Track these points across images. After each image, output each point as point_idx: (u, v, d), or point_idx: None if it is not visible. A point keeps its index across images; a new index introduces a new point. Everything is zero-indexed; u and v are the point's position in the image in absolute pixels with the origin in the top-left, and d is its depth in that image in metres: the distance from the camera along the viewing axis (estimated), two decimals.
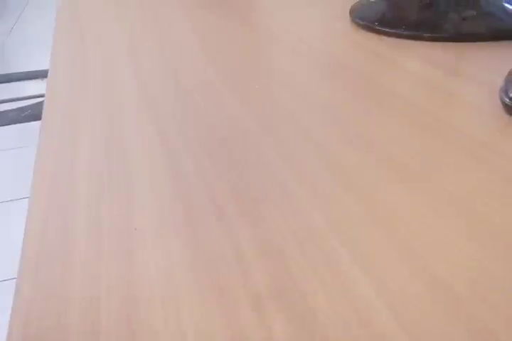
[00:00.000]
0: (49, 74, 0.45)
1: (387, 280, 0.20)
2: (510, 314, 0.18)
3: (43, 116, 0.37)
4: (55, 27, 0.59)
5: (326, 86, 0.38)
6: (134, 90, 0.39)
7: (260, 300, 0.20)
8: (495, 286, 0.19)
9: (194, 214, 0.25)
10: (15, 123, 2.03)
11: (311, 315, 0.19)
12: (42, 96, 2.18)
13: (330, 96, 0.36)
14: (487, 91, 0.35)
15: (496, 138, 0.29)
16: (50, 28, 3.03)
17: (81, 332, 0.19)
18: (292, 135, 0.31)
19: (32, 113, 2.07)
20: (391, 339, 0.18)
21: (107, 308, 0.20)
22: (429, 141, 0.29)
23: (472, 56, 0.42)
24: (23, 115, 2.06)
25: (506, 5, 0.48)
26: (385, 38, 0.47)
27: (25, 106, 2.14)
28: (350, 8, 0.55)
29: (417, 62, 0.41)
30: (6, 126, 2.01)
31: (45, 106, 0.38)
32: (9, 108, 2.14)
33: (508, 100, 0.31)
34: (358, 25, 0.51)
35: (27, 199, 1.54)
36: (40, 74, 2.45)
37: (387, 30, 0.48)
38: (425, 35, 0.46)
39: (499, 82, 0.35)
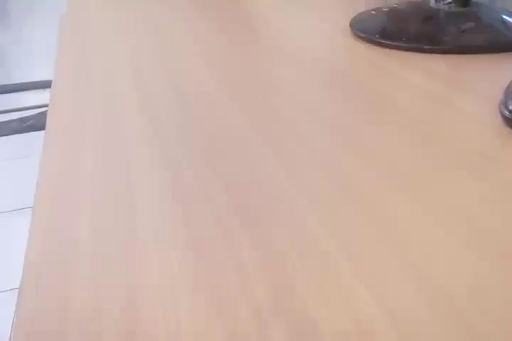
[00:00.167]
0: (52, 84, 0.45)
1: (387, 291, 0.20)
2: (510, 324, 0.18)
3: (47, 126, 0.37)
4: (58, 38, 0.59)
5: (326, 97, 0.38)
6: (135, 100, 0.39)
7: (260, 311, 0.20)
8: (495, 297, 0.19)
9: (194, 225, 0.25)
10: (16, 133, 2.03)
11: (311, 326, 0.19)
12: (44, 106, 2.19)
13: (330, 107, 0.36)
14: (487, 102, 0.35)
15: (495, 149, 0.29)
16: (51, 39, 3.05)
17: None
18: (292, 144, 0.31)
19: (33, 123, 2.08)
20: None
21: (108, 319, 0.20)
22: (430, 152, 0.30)
23: (472, 68, 0.42)
24: (24, 125, 2.07)
25: (505, 17, 0.49)
26: (385, 49, 0.48)
27: (27, 117, 2.15)
28: (351, 20, 0.56)
29: (417, 74, 0.41)
30: (8, 136, 2.02)
31: (48, 117, 0.38)
32: (11, 118, 2.15)
33: (507, 113, 0.31)
34: (359, 37, 0.51)
35: (28, 209, 1.54)
36: (42, 85, 2.46)
37: (387, 42, 0.48)
38: (425, 47, 0.46)
39: (499, 93, 0.36)
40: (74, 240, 0.24)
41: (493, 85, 0.38)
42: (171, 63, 0.47)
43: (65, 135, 0.35)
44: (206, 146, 0.32)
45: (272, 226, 0.24)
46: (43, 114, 2.13)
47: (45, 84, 2.45)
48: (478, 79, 0.40)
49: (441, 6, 0.50)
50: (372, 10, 0.56)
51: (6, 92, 2.45)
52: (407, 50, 0.47)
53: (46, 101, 2.21)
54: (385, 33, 0.49)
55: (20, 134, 2.02)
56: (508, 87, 0.34)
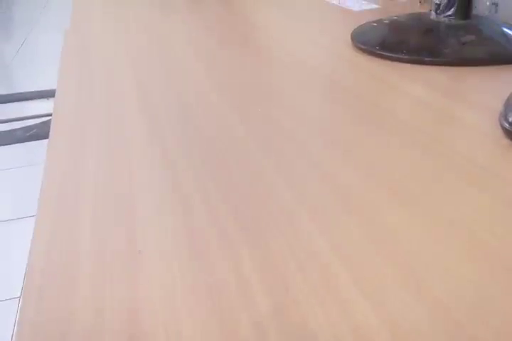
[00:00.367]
0: (56, 93, 0.46)
1: (387, 302, 0.20)
2: (510, 336, 0.18)
3: (50, 135, 0.37)
4: (62, 48, 0.60)
5: (327, 108, 0.38)
6: (137, 110, 0.40)
7: (261, 323, 0.20)
8: (495, 309, 0.20)
9: (196, 237, 0.25)
10: (20, 142, 2.04)
11: (311, 337, 0.19)
12: (47, 115, 2.20)
13: (331, 119, 0.36)
14: (487, 114, 0.36)
15: (496, 162, 0.30)
16: (55, 50, 3.07)
17: None
18: (292, 156, 0.31)
19: (37, 132, 2.09)
20: None
21: (110, 331, 0.20)
22: (430, 164, 0.30)
23: (472, 80, 0.42)
24: (28, 134, 2.08)
25: (505, 30, 0.49)
26: (386, 61, 0.48)
27: (31, 126, 2.15)
28: (352, 31, 0.56)
29: (417, 86, 0.42)
30: (12, 145, 2.02)
31: (52, 126, 0.39)
32: (15, 127, 2.16)
33: (507, 125, 0.32)
34: (360, 49, 0.51)
35: (29, 218, 1.54)
36: (46, 94, 2.47)
37: (388, 54, 0.48)
38: (426, 59, 0.46)
39: (499, 105, 0.36)
40: (76, 252, 0.24)
41: (493, 97, 0.38)
42: (173, 75, 0.48)
43: (68, 144, 0.35)
44: (208, 158, 0.32)
45: (272, 238, 0.24)
46: (46, 123, 2.14)
47: (48, 94, 2.46)
48: (478, 91, 0.40)
49: (441, 18, 0.51)
50: (374, 22, 0.57)
51: (10, 102, 2.46)
52: (408, 62, 0.47)
53: (49, 111, 2.22)
54: (386, 45, 0.50)
55: (24, 143, 2.03)
56: (507, 99, 0.34)
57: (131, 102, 0.42)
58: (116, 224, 0.26)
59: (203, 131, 0.36)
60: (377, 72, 0.45)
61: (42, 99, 2.45)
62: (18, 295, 1.24)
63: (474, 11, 0.51)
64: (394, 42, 0.50)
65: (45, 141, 2.00)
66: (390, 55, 0.48)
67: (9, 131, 2.13)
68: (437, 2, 0.51)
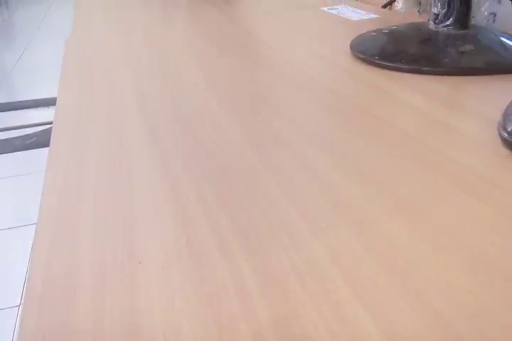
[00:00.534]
0: (57, 102, 0.46)
1: (387, 315, 0.20)
2: None
3: (51, 144, 0.37)
4: (63, 57, 0.60)
5: (326, 118, 0.38)
6: (138, 119, 0.40)
7: (261, 335, 0.20)
8: (496, 322, 0.20)
9: (196, 248, 0.25)
10: (20, 150, 2.04)
11: None
12: (46, 124, 2.20)
13: (330, 129, 0.36)
14: (486, 124, 0.36)
15: (495, 172, 0.30)
16: (55, 59, 3.08)
17: None
18: (292, 167, 0.32)
19: (37, 140, 2.09)
20: None
21: None
22: (429, 175, 0.30)
23: (471, 89, 0.43)
24: (28, 142, 2.08)
25: (504, 40, 0.50)
26: (385, 71, 0.48)
27: (31, 134, 2.16)
28: (351, 41, 0.57)
29: (416, 96, 0.42)
30: (11, 153, 2.03)
31: (53, 134, 0.39)
32: (14, 135, 2.16)
33: (506, 135, 0.32)
34: (359, 58, 0.52)
35: (29, 226, 1.54)
36: (45, 103, 2.48)
37: (387, 63, 0.49)
38: (425, 68, 0.47)
39: (498, 115, 0.36)
40: (76, 263, 0.24)
41: (492, 107, 0.39)
42: (172, 84, 0.48)
43: (69, 152, 0.35)
44: (210, 170, 0.32)
45: (272, 249, 0.24)
46: (46, 132, 2.15)
47: (48, 102, 2.46)
48: (477, 100, 0.40)
49: (440, 28, 0.51)
50: (373, 31, 0.57)
51: (10, 110, 2.47)
52: (407, 71, 0.47)
53: (49, 119, 2.22)
54: (385, 54, 0.50)
55: (23, 151, 2.03)
56: (506, 109, 0.34)
57: (132, 112, 0.42)
58: (116, 235, 0.26)
59: (203, 142, 0.36)
60: (376, 81, 0.46)
61: (41, 108, 2.45)
62: (18, 304, 1.24)
63: (472, 21, 0.52)
64: (393, 52, 0.50)
65: (44, 150, 2.01)
66: (389, 64, 0.48)
67: (8, 139, 2.14)
68: (436, 12, 0.51)
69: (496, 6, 0.58)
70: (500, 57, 0.47)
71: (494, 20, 0.59)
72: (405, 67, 0.47)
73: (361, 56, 0.51)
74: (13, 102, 2.57)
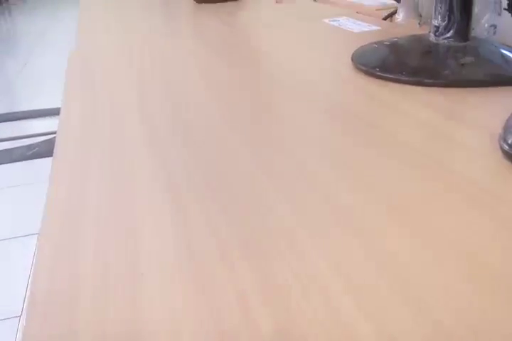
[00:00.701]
0: (61, 112, 0.46)
1: (389, 325, 0.20)
2: None
3: (55, 154, 0.38)
4: (67, 69, 0.60)
5: (327, 129, 0.38)
6: (142, 129, 0.40)
7: None
8: (496, 332, 0.20)
9: (198, 259, 0.25)
10: (21, 160, 2.05)
11: None
12: (49, 134, 2.21)
13: (331, 140, 0.37)
14: (487, 136, 0.36)
15: (495, 183, 0.30)
16: (57, 69, 3.10)
17: None
18: (294, 177, 0.32)
19: (39, 150, 2.10)
20: None
21: None
22: (430, 185, 0.30)
23: (471, 101, 0.43)
24: (29, 153, 2.08)
25: (504, 52, 0.50)
26: (386, 83, 0.48)
27: (33, 144, 2.17)
28: (352, 53, 0.57)
29: (417, 107, 0.42)
30: (13, 163, 2.03)
31: (56, 144, 0.39)
32: (17, 145, 2.17)
33: (507, 147, 0.32)
34: (360, 70, 0.52)
35: (30, 236, 1.54)
36: (48, 113, 2.49)
37: (388, 75, 0.49)
38: (425, 80, 0.47)
39: (498, 127, 0.36)
40: (78, 274, 0.24)
41: (493, 119, 0.39)
42: (174, 95, 0.48)
43: (72, 164, 0.35)
44: (209, 180, 0.32)
45: (274, 260, 0.24)
46: (48, 142, 2.15)
47: (52, 112, 2.47)
48: (477, 112, 0.40)
49: (440, 40, 0.51)
50: (374, 43, 0.57)
51: (12, 120, 2.48)
52: (408, 83, 0.48)
53: (51, 129, 2.23)
54: (386, 66, 0.50)
55: (26, 161, 2.04)
56: (507, 121, 0.35)
57: (134, 123, 0.42)
58: (118, 246, 0.26)
59: (204, 151, 0.36)
60: (377, 93, 0.46)
61: (43, 118, 2.46)
62: (19, 314, 1.23)
63: (473, 33, 0.52)
64: (394, 64, 0.51)
65: (46, 160, 2.01)
66: (390, 76, 0.49)
67: (11, 149, 2.14)
68: (436, 24, 0.51)
69: (496, 18, 0.59)
70: (501, 69, 0.47)
71: (494, 33, 0.59)
72: (406, 78, 0.48)
73: (363, 68, 0.52)
74: (15, 112, 2.58)
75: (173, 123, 0.41)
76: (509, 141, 0.32)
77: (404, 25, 0.71)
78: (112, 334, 0.21)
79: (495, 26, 0.59)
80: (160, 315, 0.22)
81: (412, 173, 0.32)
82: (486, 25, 0.59)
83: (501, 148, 0.33)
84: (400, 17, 0.70)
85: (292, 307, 0.22)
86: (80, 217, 0.29)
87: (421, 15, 0.69)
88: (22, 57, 3.68)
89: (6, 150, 2.14)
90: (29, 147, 2.14)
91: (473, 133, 0.37)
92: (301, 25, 0.78)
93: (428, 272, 0.23)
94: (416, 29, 0.69)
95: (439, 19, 0.51)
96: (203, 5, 1.04)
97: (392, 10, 0.79)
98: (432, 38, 0.52)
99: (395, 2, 0.74)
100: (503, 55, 0.50)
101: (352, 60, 0.55)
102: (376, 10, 0.87)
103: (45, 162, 2.00)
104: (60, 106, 0.49)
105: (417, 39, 0.55)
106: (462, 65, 0.48)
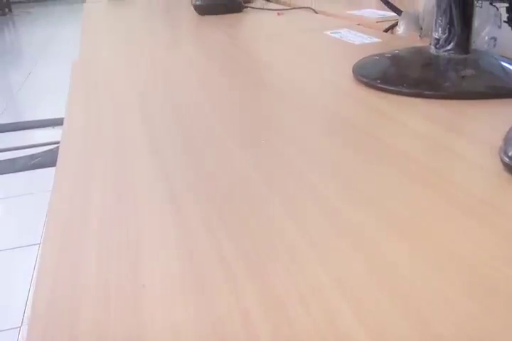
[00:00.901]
0: (64, 122, 0.47)
1: (389, 338, 0.20)
2: None
3: (58, 164, 0.38)
4: (71, 79, 0.61)
5: (327, 141, 0.39)
6: (145, 140, 0.40)
7: None
8: None
9: (201, 272, 0.25)
10: (24, 170, 2.05)
11: None
12: (51, 144, 2.21)
13: (332, 151, 0.37)
14: (487, 148, 0.36)
15: (496, 196, 0.30)
16: (61, 80, 3.11)
17: None
18: (295, 190, 0.32)
19: (41, 160, 2.10)
20: None
21: None
22: (430, 198, 0.30)
23: (472, 114, 0.43)
24: (32, 163, 2.09)
25: (504, 64, 0.50)
26: (386, 95, 0.49)
27: (35, 154, 2.17)
28: (353, 65, 0.57)
29: (418, 119, 0.42)
30: (15, 173, 2.04)
31: (59, 154, 0.39)
32: (20, 155, 2.17)
33: (507, 159, 0.32)
34: (361, 82, 0.52)
35: (32, 246, 1.54)
36: (50, 123, 2.50)
37: (389, 87, 0.49)
38: (426, 92, 0.47)
39: (499, 139, 0.36)
40: (80, 285, 0.25)
41: (493, 131, 0.39)
42: (177, 104, 0.48)
43: (75, 174, 0.36)
44: (212, 194, 0.32)
45: (275, 273, 0.24)
46: (50, 152, 2.16)
47: (53, 123, 2.48)
48: (478, 124, 0.41)
49: (441, 52, 0.52)
50: (375, 55, 0.58)
51: (15, 130, 2.49)
52: (408, 95, 0.48)
53: (54, 139, 2.24)
54: (387, 78, 0.51)
55: (28, 171, 2.04)
56: (507, 134, 0.35)
57: (137, 134, 0.42)
58: (120, 258, 0.26)
59: (206, 164, 0.36)
60: (378, 104, 0.46)
61: (46, 128, 2.47)
62: (19, 325, 1.23)
63: (473, 46, 0.52)
64: (394, 76, 0.51)
65: (49, 170, 2.02)
66: (391, 88, 0.49)
67: (13, 159, 2.15)
68: (437, 37, 0.52)
69: (496, 30, 0.59)
70: (501, 82, 0.48)
71: (495, 45, 0.59)
72: (407, 90, 0.48)
73: (363, 80, 0.52)
74: (18, 122, 2.59)
75: (176, 134, 0.42)
76: (509, 154, 0.32)
77: (405, 37, 0.72)
78: None
79: (495, 39, 0.59)
80: (161, 327, 0.22)
81: (412, 185, 0.32)
82: (486, 37, 0.60)
83: (502, 160, 0.33)
84: (400, 29, 0.71)
85: (292, 319, 0.22)
86: (82, 228, 0.29)
87: (422, 28, 0.69)
88: (25, 67, 3.70)
89: (8, 160, 2.14)
90: (32, 157, 2.14)
91: (473, 145, 0.37)
92: (303, 36, 0.78)
93: (428, 284, 0.23)
94: (417, 41, 0.69)
95: (440, 32, 0.51)
96: (206, 16, 1.05)
97: (393, 22, 0.80)
98: (433, 50, 0.53)
99: (395, 14, 0.75)
100: (503, 68, 0.50)
101: (353, 71, 0.55)
102: (377, 22, 0.88)
103: (48, 172, 2.00)
104: (63, 116, 0.49)
105: (418, 51, 0.55)
106: (463, 77, 0.48)
